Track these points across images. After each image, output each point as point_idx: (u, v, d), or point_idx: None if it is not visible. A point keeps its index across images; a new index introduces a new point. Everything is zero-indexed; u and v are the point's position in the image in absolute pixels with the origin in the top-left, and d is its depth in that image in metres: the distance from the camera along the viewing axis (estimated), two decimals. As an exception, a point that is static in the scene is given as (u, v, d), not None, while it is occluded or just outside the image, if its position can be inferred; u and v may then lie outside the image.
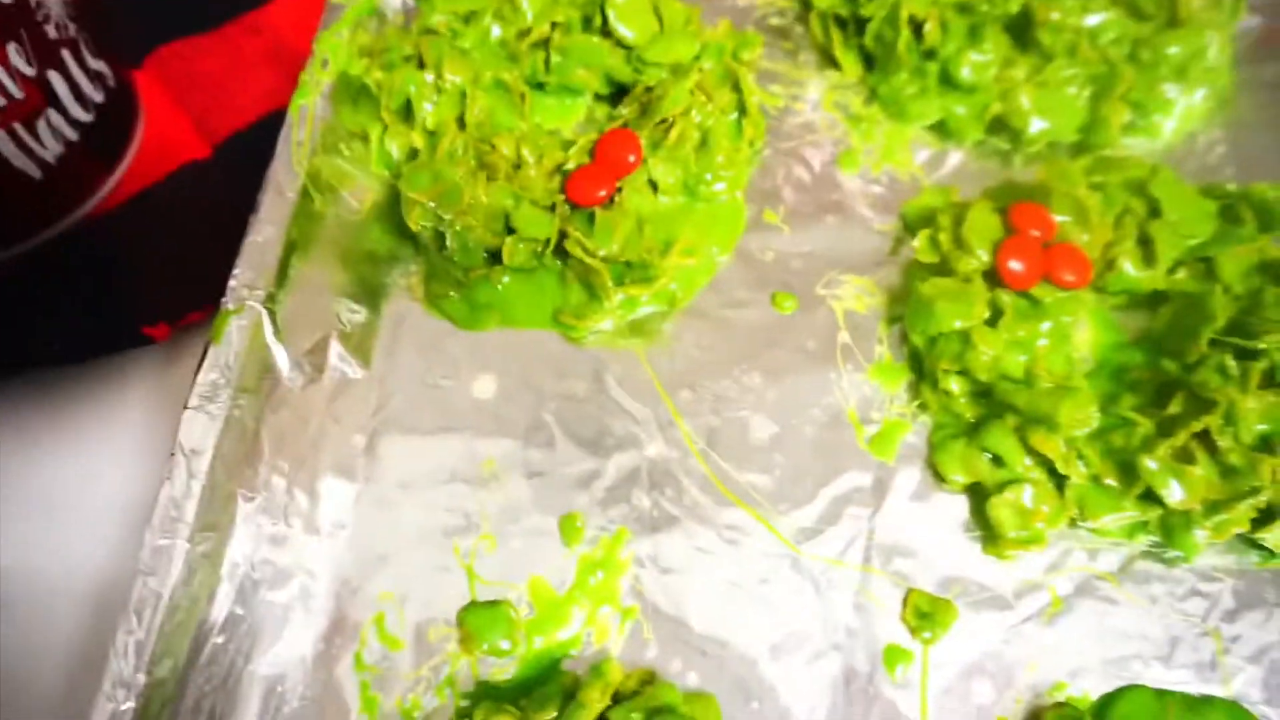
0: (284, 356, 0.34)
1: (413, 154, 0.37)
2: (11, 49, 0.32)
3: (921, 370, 0.35)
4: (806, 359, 0.36)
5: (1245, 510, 0.31)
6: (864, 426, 0.35)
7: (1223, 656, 0.31)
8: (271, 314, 0.33)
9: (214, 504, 0.30)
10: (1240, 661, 0.31)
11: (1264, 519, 0.31)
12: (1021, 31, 0.40)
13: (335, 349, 0.35)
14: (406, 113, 0.37)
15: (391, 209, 0.38)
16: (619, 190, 0.36)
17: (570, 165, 0.37)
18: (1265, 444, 0.32)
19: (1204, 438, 0.32)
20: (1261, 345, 0.32)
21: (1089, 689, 0.31)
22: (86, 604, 0.32)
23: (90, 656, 0.32)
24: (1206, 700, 0.31)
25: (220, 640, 0.30)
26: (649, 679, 0.30)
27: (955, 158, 0.41)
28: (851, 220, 0.39)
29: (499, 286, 0.36)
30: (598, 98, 0.41)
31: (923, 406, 0.35)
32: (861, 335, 0.36)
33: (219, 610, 0.30)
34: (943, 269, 0.36)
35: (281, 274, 0.34)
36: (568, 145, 0.38)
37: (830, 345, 0.36)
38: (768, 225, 0.38)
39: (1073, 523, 0.33)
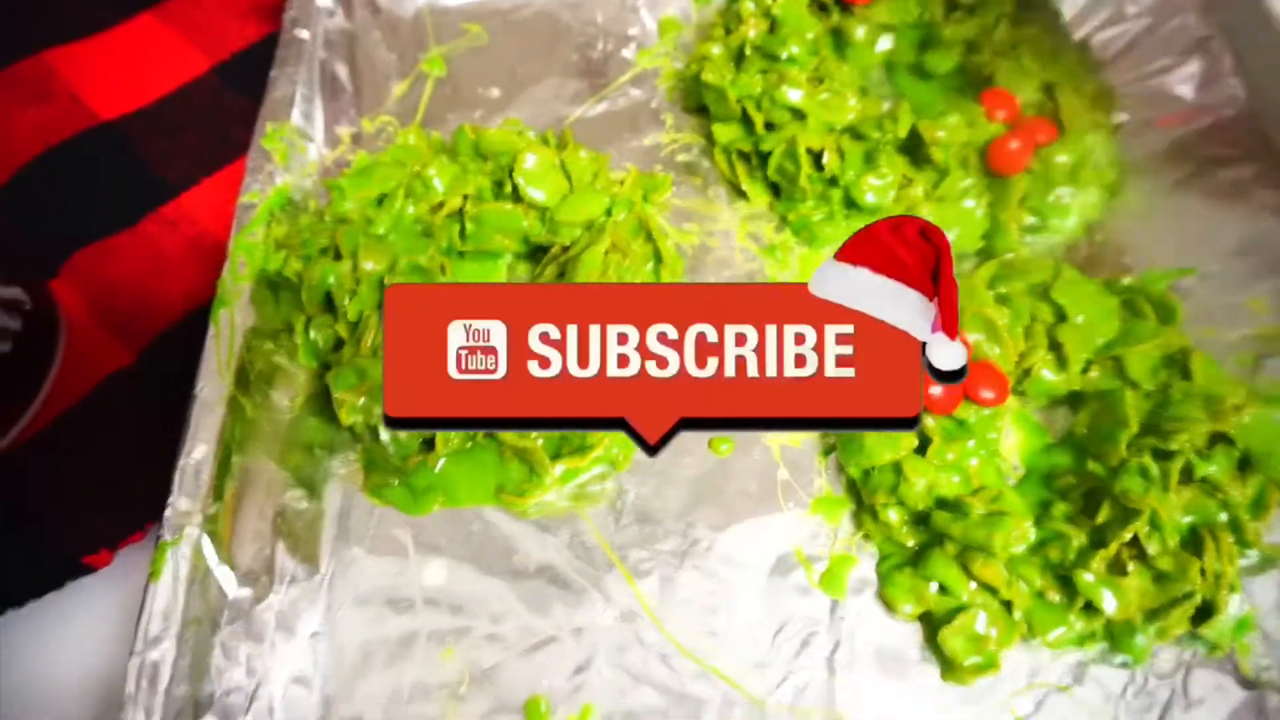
0: (230, 578, 0.33)
1: (339, 343, 0.38)
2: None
3: (861, 500, 0.36)
4: (750, 502, 0.36)
5: (1182, 613, 0.32)
6: (812, 565, 0.35)
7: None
8: (213, 536, 0.33)
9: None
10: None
11: (1202, 616, 0.33)
12: (915, 150, 0.42)
13: (281, 557, 0.35)
14: (329, 303, 0.38)
15: (324, 399, 0.38)
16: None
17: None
18: (1193, 540, 0.33)
19: (1135, 544, 0.33)
20: (1174, 446, 0.33)
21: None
22: None
23: None
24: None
25: None
26: None
27: (869, 273, 0.42)
28: (777, 351, 0.40)
29: (436, 470, 0.36)
30: (517, 256, 0.42)
31: (867, 537, 0.36)
32: (800, 470, 0.37)
33: None
34: (868, 400, 0.37)
35: (218, 491, 0.34)
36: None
37: (771, 484, 0.37)
38: (696, 368, 0.39)
39: (1025, 639, 0.34)
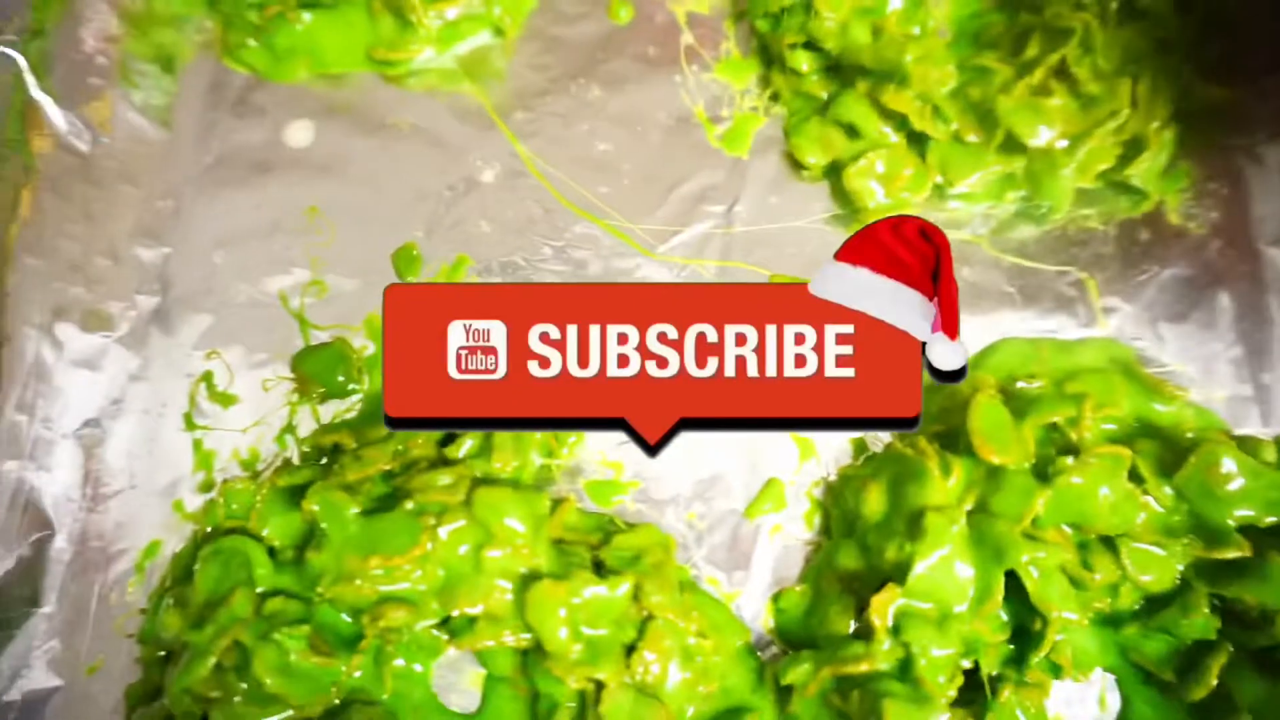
0: (56, 110, 0.30)
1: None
2: None
3: (770, 57, 0.33)
4: (648, 66, 0.33)
5: (1109, 142, 0.29)
6: (714, 125, 0.32)
7: (1097, 299, 0.30)
8: (31, 63, 0.30)
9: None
10: (1115, 301, 0.30)
11: (1129, 154, 0.30)
12: None
13: (125, 106, 0.31)
14: None
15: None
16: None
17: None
18: (1128, 76, 0.30)
19: (1062, 73, 0.30)
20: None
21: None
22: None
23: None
24: (1080, 341, 0.30)
25: (16, 410, 0.27)
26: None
27: None
28: (687, -78, 0.36)
29: (299, 27, 0.32)
30: None
31: (775, 96, 0.33)
32: (706, 35, 0.34)
33: (11, 381, 0.27)
34: (779, -56, 0.33)
35: (38, 21, 0.30)
36: None
37: (673, 49, 0.33)
38: (594, -67, 0.35)
39: (940, 191, 0.31)
